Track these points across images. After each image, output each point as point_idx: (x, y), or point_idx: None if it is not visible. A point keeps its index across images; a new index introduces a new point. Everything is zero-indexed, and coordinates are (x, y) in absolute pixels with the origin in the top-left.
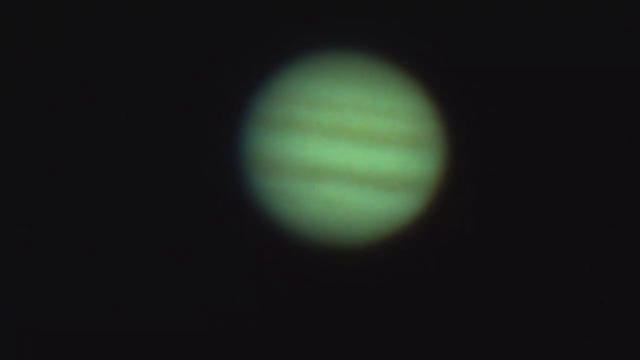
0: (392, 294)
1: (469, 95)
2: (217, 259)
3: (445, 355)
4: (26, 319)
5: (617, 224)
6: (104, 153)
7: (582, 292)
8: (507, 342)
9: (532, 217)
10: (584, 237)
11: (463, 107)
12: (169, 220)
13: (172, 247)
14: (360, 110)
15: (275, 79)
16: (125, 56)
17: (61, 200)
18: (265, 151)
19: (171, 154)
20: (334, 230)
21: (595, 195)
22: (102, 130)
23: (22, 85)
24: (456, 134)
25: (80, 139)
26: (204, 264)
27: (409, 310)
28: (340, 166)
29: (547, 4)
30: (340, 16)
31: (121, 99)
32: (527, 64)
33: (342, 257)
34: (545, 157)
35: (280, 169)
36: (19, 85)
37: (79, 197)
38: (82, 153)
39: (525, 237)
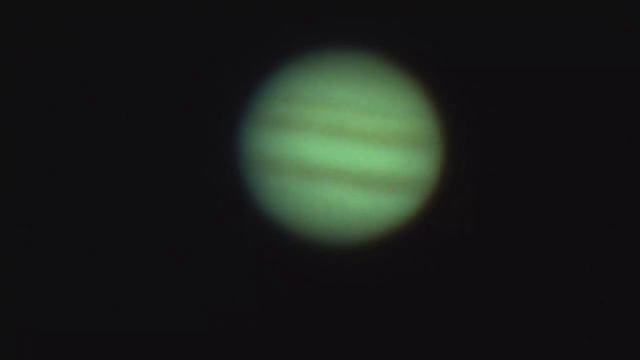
0: (392, 294)
1: (469, 95)
2: (216, 259)
3: (445, 355)
4: (26, 319)
5: (617, 224)
6: (104, 153)
7: (582, 292)
8: (507, 342)
9: (531, 217)
10: (584, 237)
11: (462, 106)
12: (169, 220)
13: (172, 247)
14: (359, 110)
15: (275, 79)
16: (125, 56)
17: (61, 200)
18: (265, 150)
19: (171, 154)
20: (334, 230)
21: (596, 195)
22: (102, 130)
23: (22, 85)
24: (455, 134)
25: (80, 138)
26: (204, 264)
27: (408, 310)
28: (339, 166)
29: (547, 4)
30: (339, 16)
31: (121, 98)
32: (527, 64)
33: (342, 256)
34: (545, 157)
35: (279, 168)
36: (19, 85)
37: (79, 197)
38: (82, 153)
39: (525, 237)
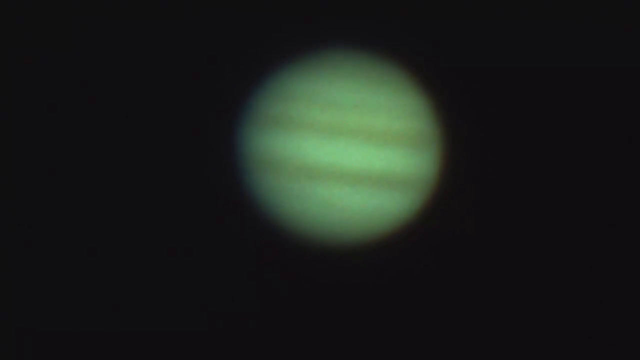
0: (392, 294)
1: (469, 95)
2: (216, 259)
3: (445, 355)
4: (26, 319)
5: (617, 224)
6: (103, 153)
7: (582, 292)
8: (507, 342)
9: (531, 217)
10: (584, 237)
11: (462, 106)
12: (168, 220)
13: (172, 247)
14: (359, 110)
15: (275, 78)
16: (125, 56)
17: (61, 200)
18: (265, 150)
19: (171, 154)
20: (333, 230)
21: (596, 195)
22: (102, 130)
23: (22, 85)
24: (455, 134)
25: (80, 138)
26: (204, 264)
27: (408, 310)
28: (339, 165)
29: (547, 4)
30: (339, 16)
31: (121, 98)
32: (527, 64)
33: (342, 256)
34: (545, 157)
35: (279, 168)
36: (19, 85)
37: (78, 196)
38: (82, 153)
39: (525, 237)
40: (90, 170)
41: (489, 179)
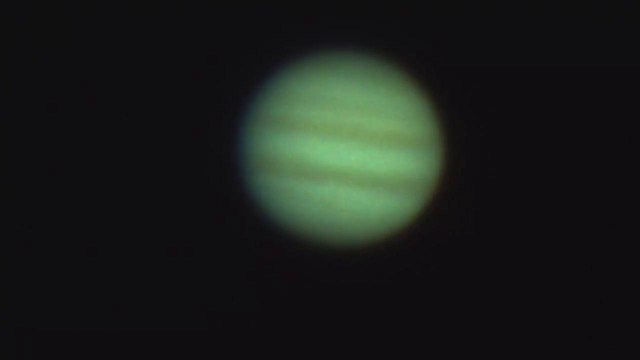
0: (392, 294)
1: (469, 95)
2: (217, 259)
3: (445, 355)
4: (26, 319)
5: (617, 224)
6: (104, 153)
7: (582, 292)
8: (507, 342)
9: (531, 217)
10: (584, 237)
11: (462, 107)
12: (169, 220)
13: (172, 247)
14: (359, 110)
15: (275, 79)
16: (125, 56)
17: (61, 200)
18: (265, 151)
19: (171, 154)
20: (334, 230)
21: (595, 195)
22: (102, 130)
23: (22, 85)
24: (455, 134)
25: (80, 138)
26: (204, 264)
27: (408, 310)
28: (339, 166)
29: (547, 4)
30: (339, 16)
31: (121, 98)
32: (527, 64)
33: (342, 257)
34: (545, 157)
35: (279, 169)
36: (19, 85)
37: (79, 196)
38: (82, 153)
39: (525, 237)
40: (90, 170)
41: (489, 179)
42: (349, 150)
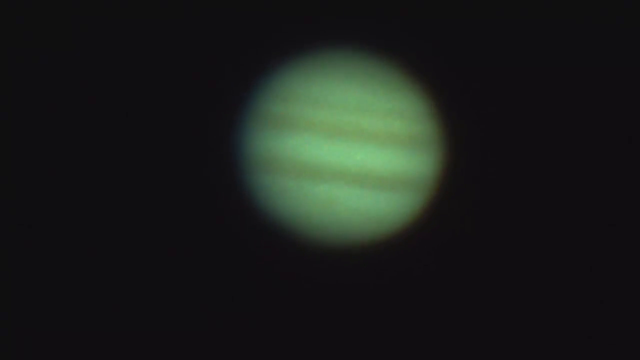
0: (392, 294)
1: (469, 95)
2: (216, 259)
3: (445, 355)
4: (26, 319)
5: (617, 224)
6: (103, 153)
7: (582, 292)
8: (507, 342)
9: (531, 217)
10: (584, 237)
11: (463, 107)
12: (168, 220)
13: (172, 247)
14: (359, 110)
15: (275, 79)
16: (125, 56)
17: (61, 200)
18: (265, 150)
19: (171, 154)
20: (334, 230)
21: (596, 195)
22: (102, 130)
23: (22, 85)
24: (455, 134)
25: (80, 138)
26: (204, 264)
27: (408, 310)
28: (339, 165)
29: (547, 4)
30: (339, 16)
31: (121, 98)
32: (527, 64)
33: (342, 257)
34: (545, 157)
35: (279, 168)
36: (19, 85)
37: (78, 196)
38: (82, 153)
39: (525, 237)
40: (90, 170)
41: (489, 179)
42: (348, 150)
